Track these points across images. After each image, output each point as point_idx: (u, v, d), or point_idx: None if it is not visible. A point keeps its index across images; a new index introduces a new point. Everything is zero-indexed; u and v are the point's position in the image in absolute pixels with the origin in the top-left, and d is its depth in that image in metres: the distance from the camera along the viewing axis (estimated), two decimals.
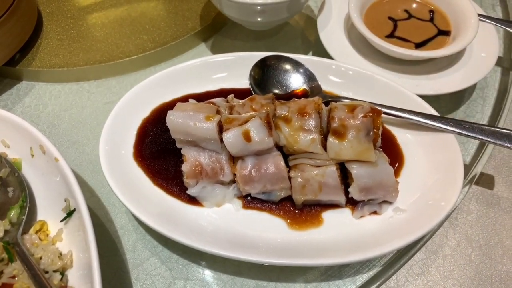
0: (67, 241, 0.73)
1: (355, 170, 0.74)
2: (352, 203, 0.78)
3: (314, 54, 1.11)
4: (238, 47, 1.15)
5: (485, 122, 1.00)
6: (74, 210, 0.71)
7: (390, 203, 0.77)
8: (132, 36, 1.14)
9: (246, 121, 0.75)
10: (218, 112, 0.77)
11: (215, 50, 1.15)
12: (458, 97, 1.03)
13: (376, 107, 0.78)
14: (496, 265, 0.80)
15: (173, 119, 0.74)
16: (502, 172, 0.93)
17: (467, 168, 0.91)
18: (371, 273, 0.79)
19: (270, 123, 0.76)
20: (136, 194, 0.77)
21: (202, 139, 0.75)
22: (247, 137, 0.73)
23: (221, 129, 0.76)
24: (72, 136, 0.99)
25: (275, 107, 0.80)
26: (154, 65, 1.11)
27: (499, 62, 1.10)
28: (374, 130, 0.75)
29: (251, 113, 0.78)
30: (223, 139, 0.73)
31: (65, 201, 0.73)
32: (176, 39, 1.12)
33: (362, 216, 0.77)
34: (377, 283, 0.78)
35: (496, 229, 0.85)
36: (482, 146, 0.95)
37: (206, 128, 0.73)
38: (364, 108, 0.77)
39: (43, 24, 1.17)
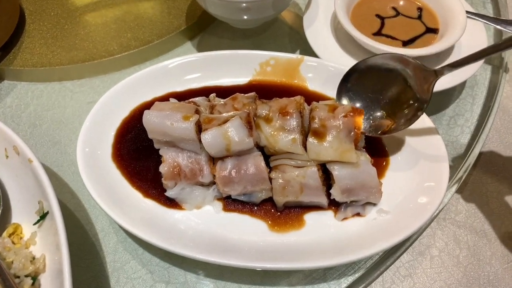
0: (40, 245, 0.71)
1: (336, 171, 0.72)
2: (334, 204, 0.76)
3: (301, 52, 1.10)
4: (224, 45, 1.13)
5: (474, 121, 0.98)
6: (47, 212, 0.69)
7: (374, 204, 0.75)
8: (116, 35, 1.12)
9: (225, 121, 0.73)
10: (197, 111, 0.75)
11: (201, 48, 1.13)
12: (448, 95, 1.02)
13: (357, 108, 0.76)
14: (485, 266, 0.79)
15: (149, 118, 0.72)
16: (491, 172, 0.91)
17: (455, 167, 0.89)
18: (357, 275, 0.77)
19: (251, 123, 0.74)
20: (114, 196, 0.75)
21: (179, 139, 0.73)
22: (226, 137, 0.71)
23: (200, 129, 0.74)
24: (54, 136, 0.97)
25: (257, 106, 0.78)
26: (139, 63, 1.09)
27: (489, 60, 1.08)
28: (355, 130, 0.73)
29: (231, 112, 0.76)
30: (201, 140, 0.71)
31: (38, 203, 0.71)
32: (161, 38, 1.10)
33: (345, 218, 0.75)
34: (363, 285, 0.77)
35: (484, 229, 0.83)
36: (470, 146, 0.93)
37: (184, 128, 0.71)
38: (345, 108, 0.76)
39: (25, 23, 1.15)
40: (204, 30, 1.16)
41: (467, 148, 0.93)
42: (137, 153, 0.82)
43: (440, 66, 0.77)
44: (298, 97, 0.78)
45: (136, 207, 0.76)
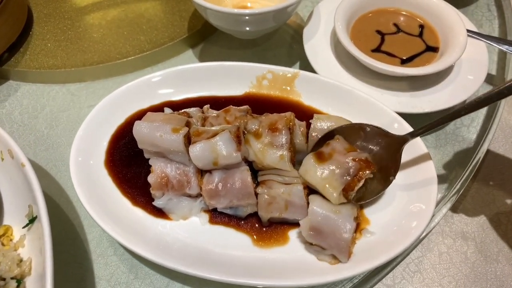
0: (28, 248, 0.73)
1: (314, 206, 0.70)
2: None
3: (301, 65, 1.10)
4: (225, 55, 1.15)
5: (480, 121, 1.00)
6: (36, 217, 0.71)
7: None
8: (130, 37, 1.14)
9: (215, 135, 0.73)
10: (188, 123, 0.76)
11: (201, 57, 1.14)
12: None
13: (371, 163, 0.74)
14: (492, 263, 0.81)
15: (139, 129, 0.74)
16: (497, 170, 0.93)
17: (462, 166, 0.91)
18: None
19: (240, 137, 0.74)
20: (103, 203, 0.77)
21: (168, 151, 0.74)
22: (214, 151, 0.72)
23: (190, 141, 0.75)
24: (55, 138, 0.99)
25: (248, 120, 0.79)
26: (138, 70, 1.11)
27: (491, 80, 1.07)
28: (355, 178, 0.72)
29: (222, 125, 0.77)
30: (189, 152, 0.72)
31: (28, 207, 0.73)
32: (173, 40, 1.12)
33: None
34: (374, 281, 0.78)
35: (491, 226, 0.85)
36: (477, 145, 0.94)
37: (172, 140, 0.72)
38: (360, 154, 0.75)
39: (33, 24, 1.18)
40: (205, 39, 1.17)
41: (474, 148, 0.94)
42: (129, 161, 0.83)
43: (406, 133, 0.76)
44: (288, 113, 0.78)
45: (124, 215, 0.77)
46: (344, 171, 0.72)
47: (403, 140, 0.76)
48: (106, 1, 1.24)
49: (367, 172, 0.72)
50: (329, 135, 0.79)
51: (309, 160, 0.74)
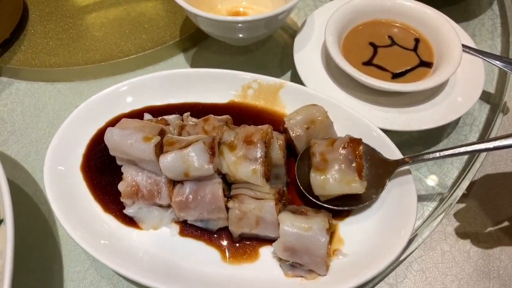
0: None
1: (285, 226, 0.68)
2: None
3: (292, 74, 1.07)
4: (215, 61, 1.12)
5: (482, 119, 0.99)
6: (2, 220, 0.70)
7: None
8: (131, 36, 1.13)
9: (188, 145, 0.72)
10: (162, 131, 0.75)
11: (191, 62, 1.12)
12: (440, 131, 0.97)
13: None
14: (494, 261, 0.81)
15: (110, 136, 0.72)
16: (500, 169, 0.93)
17: (465, 165, 0.90)
18: None
19: (214, 148, 0.72)
20: (74, 208, 0.75)
21: (139, 159, 0.72)
22: (185, 162, 0.70)
23: (162, 150, 0.73)
24: (38, 137, 0.98)
25: (224, 131, 0.77)
26: (130, 71, 1.10)
27: (488, 99, 1.03)
28: (356, 159, 0.73)
29: (197, 136, 0.75)
30: (160, 162, 0.71)
31: None
32: (175, 39, 1.12)
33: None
34: (376, 280, 0.77)
35: (493, 225, 0.85)
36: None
37: (143, 150, 0.71)
38: (343, 139, 0.76)
39: (28, 21, 1.18)
40: (197, 44, 1.16)
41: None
42: (105, 166, 0.81)
43: (401, 158, 0.77)
44: (265, 126, 0.76)
45: (94, 222, 0.76)
46: (346, 162, 0.73)
47: (394, 165, 0.76)
48: (107, 0, 1.23)
49: (360, 147, 0.74)
50: (307, 150, 0.80)
51: (316, 177, 0.74)
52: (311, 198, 0.76)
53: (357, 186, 0.72)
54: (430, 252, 0.82)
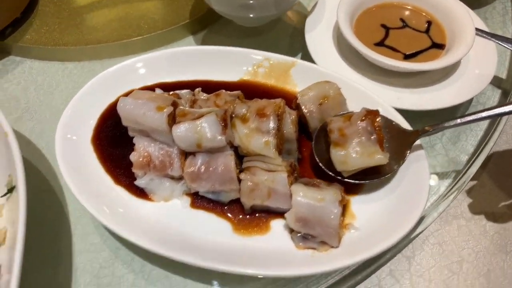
0: (6, 217, 0.72)
1: (298, 196, 0.68)
2: None
3: (303, 55, 1.07)
4: (226, 43, 1.11)
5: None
6: (14, 187, 0.70)
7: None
8: (144, 16, 1.13)
9: (201, 116, 0.72)
10: (174, 103, 0.75)
11: (202, 44, 1.12)
12: (453, 112, 0.96)
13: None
14: (511, 235, 0.83)
15: (123, 106, 0.72)
16: None
17: (479, 143, 0.91)
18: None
19: (226, 120, 0.72)
20: (85, 179, 0.75)
21: (151, 129, 0.72)
22: (198, 132, 0.70)
23: (175, 122, 0.73)
24: (46, 114, 0.98)
25: (236, 105, 0.76)
26: (139, 52, 1.09)
27: (499, 83, 1.02)
28: (376, 131, 0.72)
29: (209, 108, 0.75)
30: (172, 132, 0.71)
31: (8, 176, 0.72)
32: (185, 20, 1.11)
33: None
34: (393, 252, 0.78)
35: (509, 200, 0.87)
36: (493, 123, 0.93)
37: (156, 119, 0.71)
38: (360, 112, 0.75)
39: (39, 1, 1.18)
40: (207, 27, 1.16)
41: (490, 126, 0.94)
42: (116, 139, 0.81)
43: (422, 127, 0.76)
44: (278, 100, 0.76)
45: (105, 193, 0.76)
46: (366, 135, 0.72)
47: (414, 135, 0.75)
48: None
49: (378, 118, 0.73)
50: (323, 127, 0.79)
51: (337, 153, 0.73)
52: (333, 175, 0.75)
53: (380, 158, 0.71)
54: (446, 226, 0.83)
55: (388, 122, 0.78)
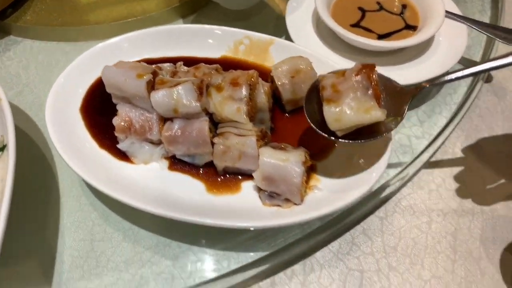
0: None
1: (264, 157, 0.73)
2: None
3: (286, 38, 1.11)
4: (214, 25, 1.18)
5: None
6: (6, 145, 0.76)
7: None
8: (128, 2, 1.19)
9: (178, 84, 0.77)
10: (154, 73, 0.80)
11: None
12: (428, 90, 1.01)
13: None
14: (479, 199, 0.87)
15: (106, 73, 0.78)
16: (486, 120, 0.99)
17: (453, 115, 0.97)
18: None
19: (202, 89, 0.78)
20: (73, 144, 0.81)
21: (132, 95, 0.78)
22: (174, 98, 0.76)
23: (153, 89, 0.79)
24: (40, 90, 1.05)
25: (213, 75, 0.82)
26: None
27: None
28: (373, 85, 0.68)
29: (186, 78, 0.81)
30: (151, 98, 0.76)
31: (1, 136, 0.78)
32: (175, 3, 1.17)
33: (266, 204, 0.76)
34: (366, 212, 0.84)
35: (479, 169, 0.91)
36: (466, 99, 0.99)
37: (136, 85, 0.76)
38: (355, 67, 0.71)
39: None
40: (196, 11, 1.21)
41: (464, 99, 1.00)
42: (102, 108, 0.87)
43: (419, 83, 0.75)
44: (251, 71, 0.81)
45: (90, 155, 0.82)
46: (362, 89, 0.68)
47: (413, 91, 0.72)
48: None
49: (374, 72, 0.69)
50: (314, 86, 0.77)
51: (330, 109, 0.69)
52: (326, 136, 0.72)
53: (376, 114, 0.67)
54: (418, 190, 0.88)
55: (384, 79, 0.74)
